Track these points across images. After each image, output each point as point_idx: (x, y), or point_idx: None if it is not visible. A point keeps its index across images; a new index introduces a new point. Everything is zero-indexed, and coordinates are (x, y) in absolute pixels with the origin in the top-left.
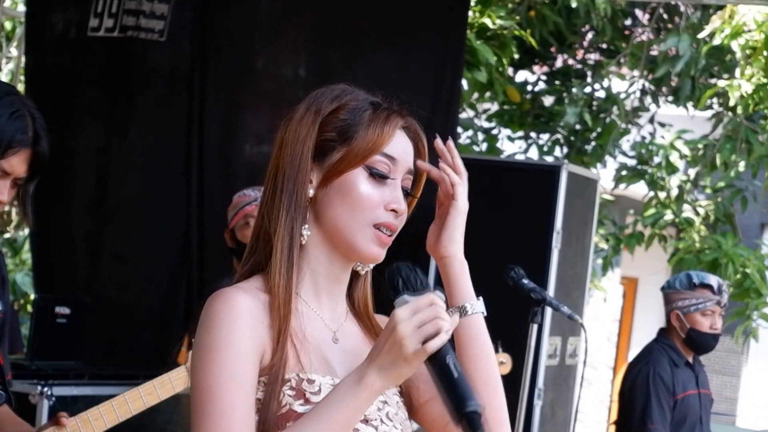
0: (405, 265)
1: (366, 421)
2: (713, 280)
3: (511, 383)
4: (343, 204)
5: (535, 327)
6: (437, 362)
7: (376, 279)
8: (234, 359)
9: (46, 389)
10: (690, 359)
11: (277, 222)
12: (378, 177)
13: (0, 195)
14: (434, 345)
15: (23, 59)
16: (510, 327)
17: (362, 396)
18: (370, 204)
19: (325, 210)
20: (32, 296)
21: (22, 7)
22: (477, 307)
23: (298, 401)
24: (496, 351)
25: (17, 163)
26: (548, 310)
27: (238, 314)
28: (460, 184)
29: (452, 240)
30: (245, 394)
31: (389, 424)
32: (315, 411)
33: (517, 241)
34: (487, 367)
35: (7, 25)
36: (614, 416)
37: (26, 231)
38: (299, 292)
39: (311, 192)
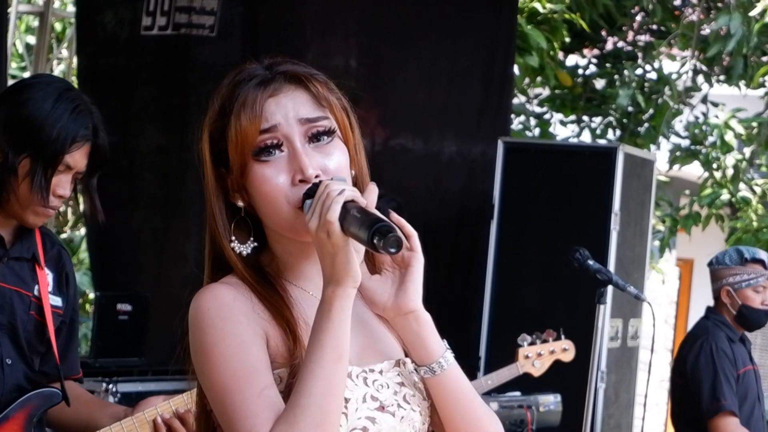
0: (309, 187)
1: (382, 408)
2: (764, 255)
3: (575, 366)
4: (262, 204)
5: (601, 308)
6: (347, 223)
7: None
8: (238, 349)
9: (111, 386)
10: (743, 335)
11: (220, 246)
12: (267, 155)
13: (63, 189)
14: (333, 212)
15: (74, 60)
16: (569, 311)
17: (333, 310)
18: (279, 192)
19: (259, 212)
20: (91, 295)
21: (71, 8)
22: (449, 357)
23: None
24: (558, 338)
25: (80, 158)
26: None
27: (228, 306)
28: (415, 233)
29: (418, 292)
30: (261, 378)
31: (407, 407)
32: (305, 357)
33: (575, 224)
34: (474, 413)
35: (57, 26)
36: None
37: (83, 231)
38: (288, 278)
39: (240, 203)
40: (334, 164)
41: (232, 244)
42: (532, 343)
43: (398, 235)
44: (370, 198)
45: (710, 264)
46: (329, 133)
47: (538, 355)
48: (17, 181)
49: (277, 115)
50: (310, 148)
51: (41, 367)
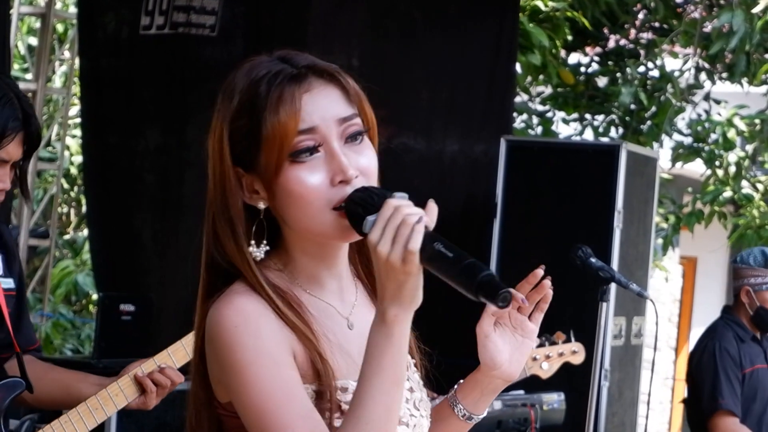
0: (356, 191)
1: (398, 421)
2: None
3: (579, 365)
4: (293, 206)
5: (604, 306)
6: (430, 256)
7: None
8: (275, 369)
9: None
10: (757, 334)
11: (227, 252)
12: (305, 156)
13: (2, 183)
14: (415, 242)
15: (77, 61)
16: (573, 309)
17: (395, 333)
18: (316, 193)
19: (284, 215)
20: (95, 296)
21: (73, 9)
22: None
23: (335, 414)
24: (568, 340)
25: (14, 149)
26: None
27: (255, 322)
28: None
29: (520, 364)
30: (301, 399)
31: (417, 414)
32: (361, 379)
33: (578, 221)
34: None
35: (59, 28)
36: (682, 396)
37: (86, 232)
38: (302, 285)
39: (261, 205)
40: (369, 164)
41: (251, 248)
42: (540, 345)
43: (509, 292)
44: (432, 218)
45: (734, 261)
46: (362, 132)
47: (546, 357)
48: None
49: (315, 116)
50: (346, 148)
51: None
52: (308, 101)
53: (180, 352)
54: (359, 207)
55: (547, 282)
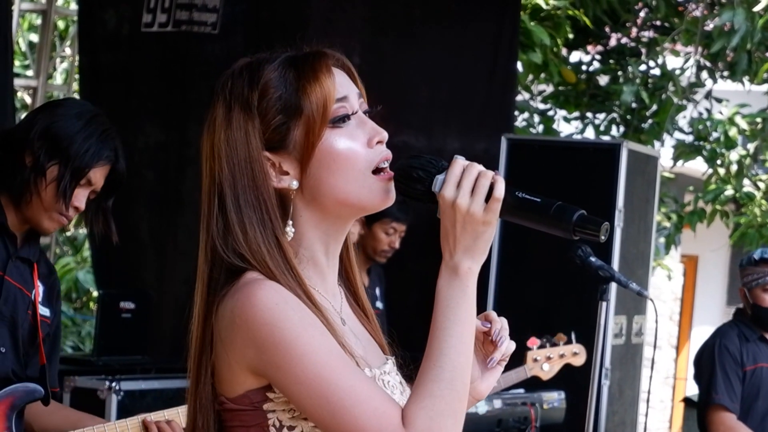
0: (410, 158)
1: None
2: None
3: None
4: (333, 174)
5: (604, 305)
6: (513, 204)
7: None
8: (325, 338)
9: (114, 384)
10: (765, 335)
11: (249, 242)
12: (342, 123)
13: (79, 202)
14: (500, 190)
15: (77, 58)
16: (574, 309)
17: (469, 285)
18: (357, 155)
19: (318, 189)
20: (95, 293)
21: (74, 6)
22: None
23: None
24: (569, 341)
25: (100, 176)
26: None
27: (291, 297)
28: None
29: (490, 385)
30: (352, 363)
31: None
32: (438, 331)
33: None
34: None
35: (60, 24)
36: (683, 394)
37: (86, 229)
38: (309, 282)
39: (294, 184)
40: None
41: (287, 229)
42: (541, 347)
43: (607, 224)
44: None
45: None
46: (368, 111)
47: (547, 358)
48: (44, 184)
49: (343, 88)
50: None
51: (26, 369)
52: (336, 74)
53: None
54: (417, 170)
55: (492, 313)
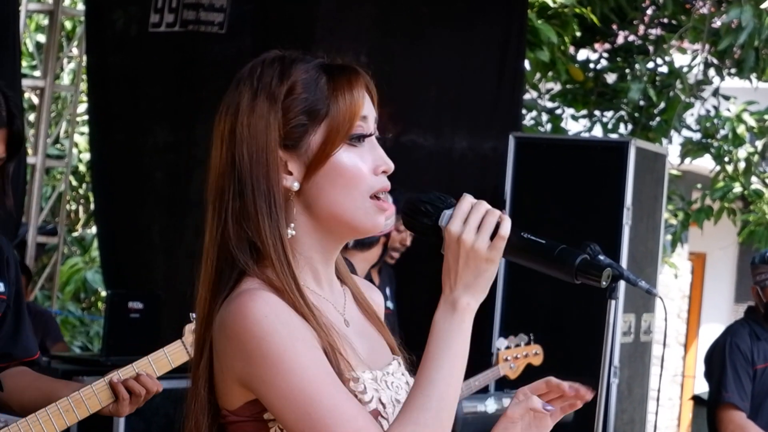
0: (420, 194)
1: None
2: None
3: (587, 362)
4: (335, 188)
5: (613, 303)
6: (518, 244)
7: None
8: (312, 354)
9: None
10: None
11: (259, 229)
12: (358, 142)
13: None
14: (506, 228)
15: (85, 58)
16: (582, 307)
17: (465, 320)
18: (362, 177)
19: (317, 198)
20: (103, 293)
21: (81, 6)
22: None
23: None
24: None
25: (0, 141)
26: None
27: (282, 310)
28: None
29: (546, 428)
30: (338, 381)
31: None
32: (430, 361)
33: (587, 218)
34: None
35: (68, 25)
36: (691, 392)
37: (95, 229)
38: (305, 281)
39: (296, 185)
40: None
41: (288, 230)
42: (508, 347)
43: (610, 270)
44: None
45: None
46: (378, 138)
47: (514, 358)
48: None
49: (367, 108)
50: None
51: None
52: (363, 94)
53: (162, 360)
54: (426, 204)
55: (580, 388)
